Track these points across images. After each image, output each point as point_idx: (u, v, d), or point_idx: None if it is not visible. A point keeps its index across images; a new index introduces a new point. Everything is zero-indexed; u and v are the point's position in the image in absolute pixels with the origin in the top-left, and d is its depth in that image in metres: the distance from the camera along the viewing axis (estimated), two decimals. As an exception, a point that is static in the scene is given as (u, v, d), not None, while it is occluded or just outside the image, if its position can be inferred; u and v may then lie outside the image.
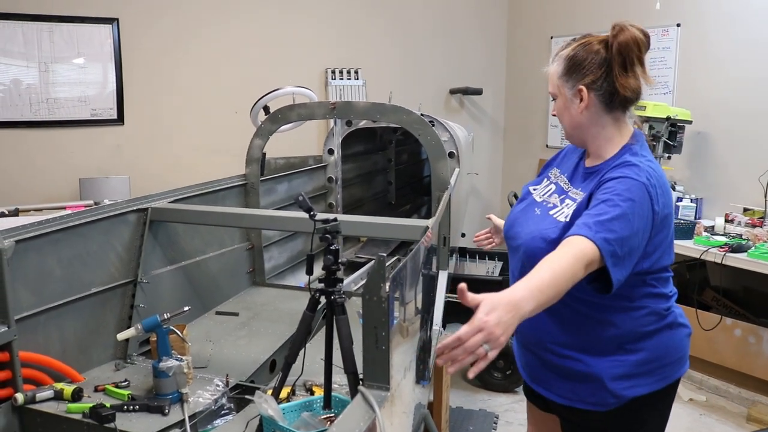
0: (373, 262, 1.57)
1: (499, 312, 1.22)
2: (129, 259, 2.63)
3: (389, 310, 1.57)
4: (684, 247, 3.95)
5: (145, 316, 2.43)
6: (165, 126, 4.71)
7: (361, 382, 1.62)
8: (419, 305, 2.14)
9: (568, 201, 1.67)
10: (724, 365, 3.92)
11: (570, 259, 1.39)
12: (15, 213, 3.80)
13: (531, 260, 1.52)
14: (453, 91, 6.08)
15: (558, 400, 1.72)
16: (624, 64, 1.59)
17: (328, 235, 1.87)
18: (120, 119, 4.56)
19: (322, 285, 1.92)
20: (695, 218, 4.46)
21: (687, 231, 4.07)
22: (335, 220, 1.91)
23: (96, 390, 2.26)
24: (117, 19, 4.44)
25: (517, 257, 1.73)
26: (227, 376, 2.35)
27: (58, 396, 2.15)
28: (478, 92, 6.09)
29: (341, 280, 1.93)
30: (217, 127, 4.77)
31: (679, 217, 4.33)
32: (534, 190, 1.85)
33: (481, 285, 3.89)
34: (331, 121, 3.81)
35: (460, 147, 3.70)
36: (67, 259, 2.36)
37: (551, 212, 1.68)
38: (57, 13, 4.28)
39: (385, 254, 1.61)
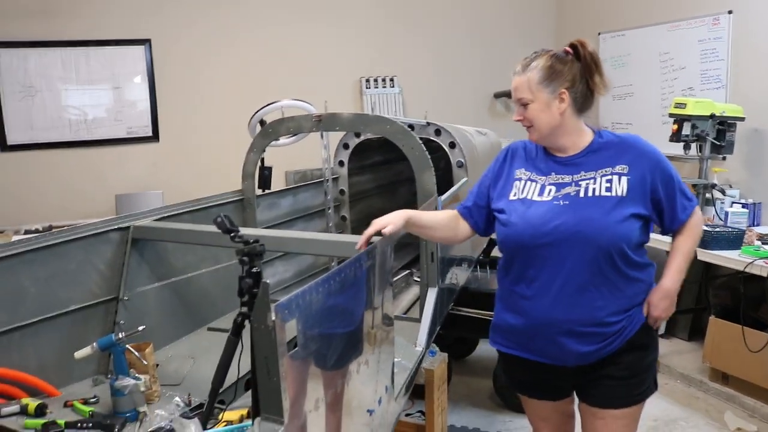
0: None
1: (667, 300, 1.95)
2: (112, 277, 2.68)
3: (276, 339, 1.49)
4: (727, 258, 3.58)
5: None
6: (197, 141, 4.83)
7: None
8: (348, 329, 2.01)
9: (603, 181, 1.85)
10: (776, 390, 3.51)
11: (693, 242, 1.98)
12: (48, 229, 4.02)
13: (604, 242, 1.80)
14: (498, 95, 5.86)
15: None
16: (598, 70, 1.90)
17: (245, 258, 1.81)
18: (155, 136, 4.72)
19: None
20: (751, 224, 4.04)
21: (734, 240, 3.67)
22: (257, 241, 1.85)
23: (65, 405, 2.30)
24: (149, 40, 4.60)
25: (571, 247, 1.82)
26: (189, 395, 2.34)
27: (23, 411, 2.21)
28: (524, 94, 5.83)
29: (264, 303, 1.86)
30: (249, 140, 4.83)
31: (727, 224, 3.93)
32: (524, 194, 1.93)
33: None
34: (342, 133, 3.75)
35: (473, 156, 3.53)
36: (43, 278, 2.44)
37: (597, 194, 1.84)
38: (94, 38, 4.49)
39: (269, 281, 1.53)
